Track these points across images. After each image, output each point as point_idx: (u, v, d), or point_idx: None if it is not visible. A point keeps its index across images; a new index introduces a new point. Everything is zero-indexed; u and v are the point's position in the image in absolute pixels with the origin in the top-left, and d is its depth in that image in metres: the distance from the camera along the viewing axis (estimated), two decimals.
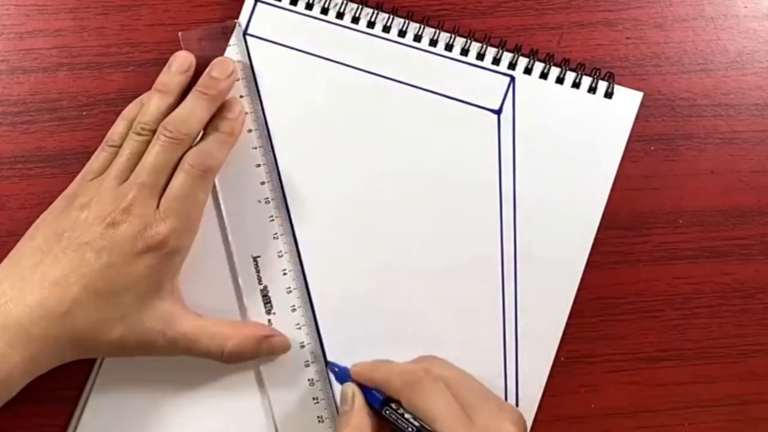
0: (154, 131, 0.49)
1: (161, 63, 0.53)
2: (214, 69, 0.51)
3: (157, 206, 0.48)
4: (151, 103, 0.50)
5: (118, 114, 0.51)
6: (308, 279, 0.53)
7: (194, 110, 0.50)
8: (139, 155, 0.49)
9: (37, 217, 0.50)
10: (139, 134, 0.50)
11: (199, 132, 0.50)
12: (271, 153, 0.53)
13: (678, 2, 0.55)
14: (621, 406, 0.53)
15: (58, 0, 0.55)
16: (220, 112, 0.51)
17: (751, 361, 0.51)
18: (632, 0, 0.55)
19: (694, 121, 0.55)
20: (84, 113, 0.54)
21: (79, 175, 0.51)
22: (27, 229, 0.50)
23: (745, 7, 0.56)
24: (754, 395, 0.52)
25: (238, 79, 0.52)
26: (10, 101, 0.54)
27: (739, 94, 0.55)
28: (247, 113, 0.52)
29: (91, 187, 0.49)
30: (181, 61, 0.51)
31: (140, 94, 0.52)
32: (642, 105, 0.53)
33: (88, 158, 0.51)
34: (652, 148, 0.54)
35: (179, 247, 0.49)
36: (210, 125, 0.51)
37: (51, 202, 0.50)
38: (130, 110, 0.51)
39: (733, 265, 0.54)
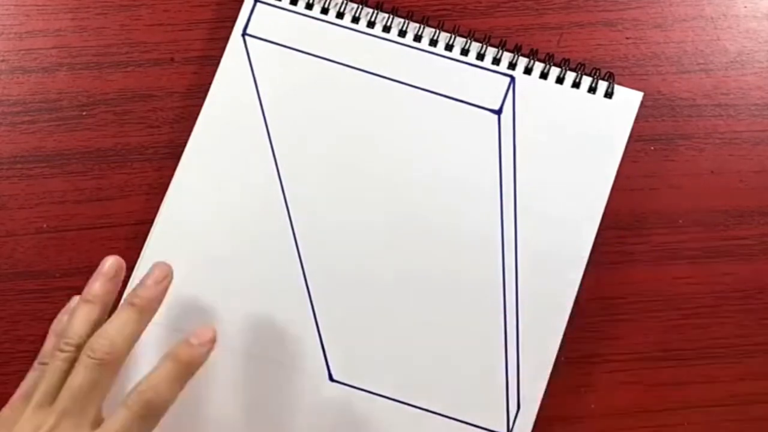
0: (80, 347, 0.43)
1: (160, 63, 0.53)
2: (148, 275, 0.45)
3: None
4: (76, 315, 0.44)
5: (117, 114, 0.51)
6: (308, 279, 0.53)
7: (123, 326, 0.44)
8: (66, 375, 0.42)
9: (37, 216, 0.50)
10: (62, 351, 0.43)
11: (129, 350, 0.44)
12: (271, 153, 0.53)
13: (678, 2, 0.55)
14: (621, 406, 0.53)
15: (58, 0, 0.55)
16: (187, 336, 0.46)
17: (751, 361, 0.51)
18: (632, 0, 0.55)
19: (693, 121, 0.55)
20: (84, 113, 0.54)
21: (11, 398, 0.44)
22: (26, 229, 0.50)
23: (745, 7, 0.56)
24: (754, 395, 0.52)
25: None
26: (10, 101, 0.54)
27: (739, 94, 0.55)
28: None
29: (15, 413, 0.43)
30: (109, 265, 0.45)
31: (139, 94, 0.52)
32: (642, 105, 0.53)
33: (88, 158, 0.50)
34: (652, 148, 0.54)
35: None
36: (168, 350, 0.45)
37: (50, 202, 0.50)
38: (60, 321, 0.45)
39: (733, 265, 0.54)
